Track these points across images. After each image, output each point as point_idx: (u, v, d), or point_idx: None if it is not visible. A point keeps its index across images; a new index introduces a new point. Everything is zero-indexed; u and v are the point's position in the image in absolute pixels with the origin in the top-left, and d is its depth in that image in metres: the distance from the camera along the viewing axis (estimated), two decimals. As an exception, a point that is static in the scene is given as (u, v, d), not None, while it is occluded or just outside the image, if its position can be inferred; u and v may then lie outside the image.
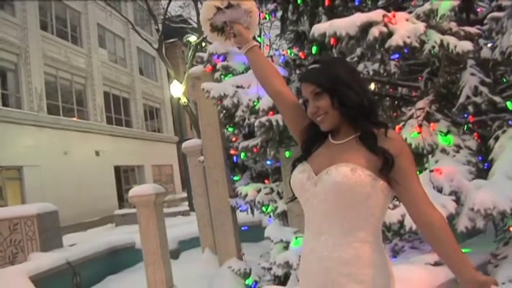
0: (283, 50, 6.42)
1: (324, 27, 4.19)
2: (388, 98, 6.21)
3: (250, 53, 2.11)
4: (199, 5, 21.98)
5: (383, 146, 1.72)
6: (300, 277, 1.90)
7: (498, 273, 3.96)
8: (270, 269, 5.67)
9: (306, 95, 1.83)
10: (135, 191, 6.48)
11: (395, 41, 4.00)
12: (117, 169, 23.38)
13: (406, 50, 4.27)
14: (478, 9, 6.20)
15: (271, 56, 5.71)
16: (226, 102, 5.60)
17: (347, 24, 4.09)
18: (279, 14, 6.66)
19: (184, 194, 21.28)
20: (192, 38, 21.95)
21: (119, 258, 9.71)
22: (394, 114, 6.26)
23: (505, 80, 5.83)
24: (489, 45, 4.90)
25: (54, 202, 9.79)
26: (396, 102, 6.19)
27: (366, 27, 4.08)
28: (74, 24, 22.13)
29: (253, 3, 2.16)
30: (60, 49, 20.32)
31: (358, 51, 5.02)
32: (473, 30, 4.75)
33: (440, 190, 4.01)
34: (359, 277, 1.70)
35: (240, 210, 7.01)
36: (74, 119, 20.42)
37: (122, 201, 22.21)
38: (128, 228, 14.34)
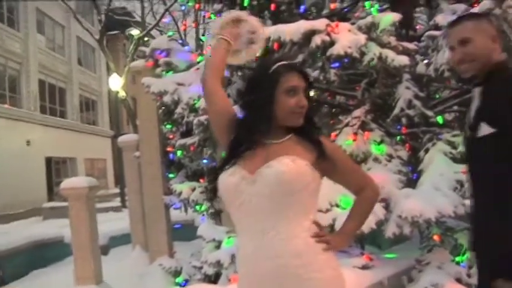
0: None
1: (269, 30, 4.25)
2: (326, 106, 6.35)
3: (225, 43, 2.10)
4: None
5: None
6: (244, 283, 1.87)
7: (421, 278, 4.13)
8: (201, 268, 5.67)
9: (297, 87, 1.83)
10: (68, 183, 6.32)
11: (336, 50, 4.12)
12: (48, 160, 22.55)
13: (346, 60, 4.40)
14: (417, 27, 6.46)
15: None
16: (166, 98, 5.56)
17: (291, 30, 4.17)
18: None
19: (117, 190, 20.83)
20: (135, 32, 21.58)
21: (47, 252, 9.41)
22: (332, 121, 6.41)
23: (438, 96, 6.11)
24: (425, 61, 5.11)
25: (-21, 191, 9.35)
26: (334, 109, 6.33)
27: (309, 35, 4.18)
28: (11, 6, 21.13)
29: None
30: (-6, 31, 19.42)
31: (300, 57, 5.10)
32: (411, 46, 4.95)
33: (371, 197, 4.14)
34: (315, 266, 1.74)
35: (174, 208, 6.96)
36: (6, 106, 19.52)
37: (52, 193, 21.42)
38: (57, 222, 13.85)
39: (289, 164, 1.75)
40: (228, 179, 1.83)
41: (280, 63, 1.86)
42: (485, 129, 1.91)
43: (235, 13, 2.17)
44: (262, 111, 1.84)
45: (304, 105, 1.82)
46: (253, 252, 1.79)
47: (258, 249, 1.77)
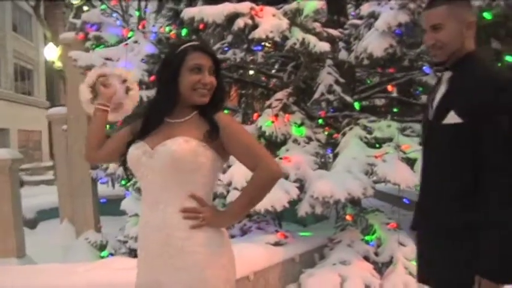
0: (160, 27, 6.39)
1: (193, 11, 4.31)
2: (260, 87, 6.45)
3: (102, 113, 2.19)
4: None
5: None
6: (139, 251, 1.97)
7: (331, 256, 4.37)
8: (126, 242, 5.71)
9: (203, 66, 1.89)
10: (-12, 155, 6.15)
11: (258, 33, 4.23)
12: (-22, 130, 21.71)
13: (282, 43, 4.52)
14: (353, 13, 6.59)
15: (144, 33, 5.68)
16: (93, 73, 5.49)
17: (215, 12, 4.24)
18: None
19: (51, 163, 20.32)
20: (75, 0, 20.84)
21: (-31, 225, 9.12)
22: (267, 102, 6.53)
23: (369, 81, 6.33)
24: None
25: None
26: (267, 91, 6.44)
27: (232, 18, 4.27)
28: None
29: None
30: None
31: (230, 38, 5.18)
32: (335, 32, 5.12)
33: (287, 177, 4.33)
34: (199, 240, 1.83)
35: (100, 183, 6.92)
36: None
37: (-19, 165, 20.57)
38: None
39: (181, 143, 1.83)
40: (133, 151, 1.93)
41: (188, 44, 1.93)
42: (452, 118, 1.90)
43: (97, 71, 2.28)
44: (167, 89, 1.93)
45: (208, 83, 1.89)
46: (147, 222, 1.91)
47: (148, 221, 1.89)
